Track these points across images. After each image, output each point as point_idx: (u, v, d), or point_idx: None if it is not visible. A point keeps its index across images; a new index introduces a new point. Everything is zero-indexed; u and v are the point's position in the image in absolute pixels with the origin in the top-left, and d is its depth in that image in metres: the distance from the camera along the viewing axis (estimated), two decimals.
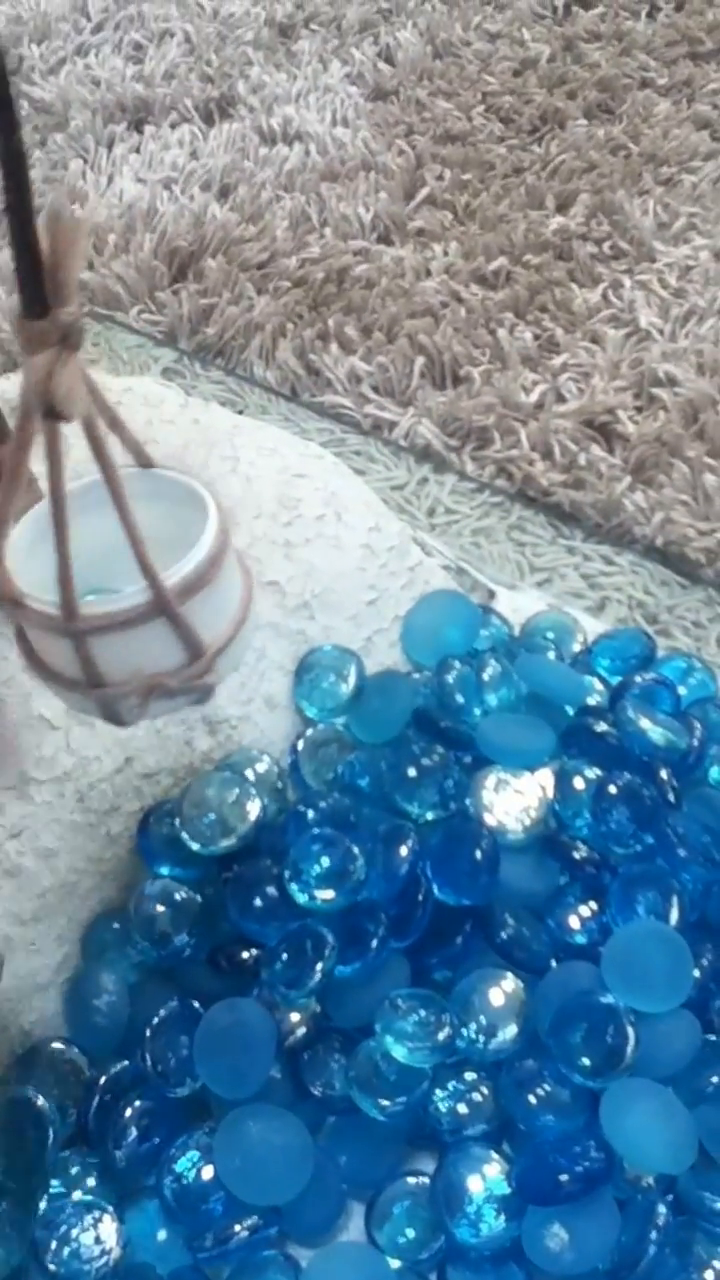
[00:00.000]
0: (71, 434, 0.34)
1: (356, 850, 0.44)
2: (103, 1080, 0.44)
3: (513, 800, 0.46)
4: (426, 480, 0.64)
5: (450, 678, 0.50)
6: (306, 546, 0.56)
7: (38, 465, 0.35)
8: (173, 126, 0.92)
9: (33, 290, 0.30)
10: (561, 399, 0.67)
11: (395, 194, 0.82)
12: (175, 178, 0.87)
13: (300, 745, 0.50)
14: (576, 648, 0.53)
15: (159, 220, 0.83)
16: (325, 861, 0.44)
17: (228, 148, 0.89)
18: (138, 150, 0.90)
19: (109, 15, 1.01)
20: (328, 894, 0.44)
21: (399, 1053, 0.41)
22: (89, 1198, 0.43)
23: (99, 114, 0.92)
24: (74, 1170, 0.43)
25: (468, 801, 0.46)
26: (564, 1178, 0.38)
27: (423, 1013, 0.42)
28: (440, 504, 0.63)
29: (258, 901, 0.45)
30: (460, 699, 0.50)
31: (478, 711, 0.50)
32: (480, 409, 0.67)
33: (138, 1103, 0.43)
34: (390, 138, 0.87)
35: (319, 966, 0.42)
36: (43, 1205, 0.43)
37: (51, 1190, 0.43)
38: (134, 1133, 0.43)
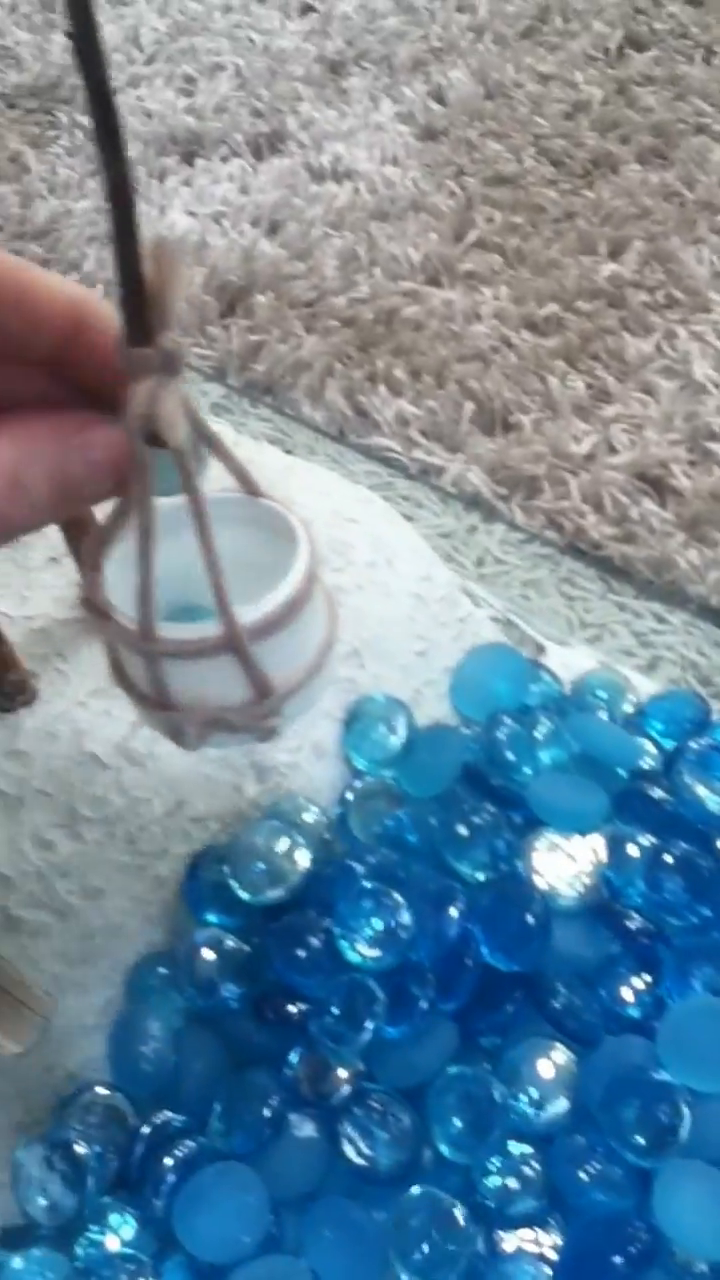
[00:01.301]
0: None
1: (406, 910, 0.44)
2: (146, 1129, 0.44)
3: (564, 864, 0.46)
4: (475, 529, 0.64)
5: (501, 734, 0.50)
6: (357, 593, 0.56)
7: None
8: (223, 160, 0.92)
9: (136, 317, 0.31)
10: (613, 450, 0.67)
11: (445, 235, 0.83)
12: (225, 212, 0.87)
13: (349, 796, 0.50)
14: (628, 708, 0.53)
15: (209, 254, 0.83)
16: (375, 921, 0.44)
17: (277, 184, 0.89)
18: (188, 183, 0.90)
19: (161, 47, 1.02)
20: (376, 953, 0.44)
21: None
22: (127, 1250, 0.42)
23: (151, 145, 0.93)
24: (112, 1218, 0.43)
25: (518, 863, 0.46)
26: (616, 1259, 0.38)
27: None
28: (489, 553, 0.63)
29: (304, 954, 0.45)
30: (511, 756, 0.49)
31: (528, 770, 0.49)
32: (530, 458, 0.67)
33: (180, 1153, 0.43)
34: (440, 178, 0.87)
35: (369, 1024, 0.42)
36: (79, 1252, 0.43)
37: (89, 1236, 0.43)
38: (174, 1183, 0.43)
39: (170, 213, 0.87)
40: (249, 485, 0.39)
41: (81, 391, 0.36)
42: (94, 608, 0.37)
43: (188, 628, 0.36)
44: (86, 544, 0.37)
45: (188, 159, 0.92)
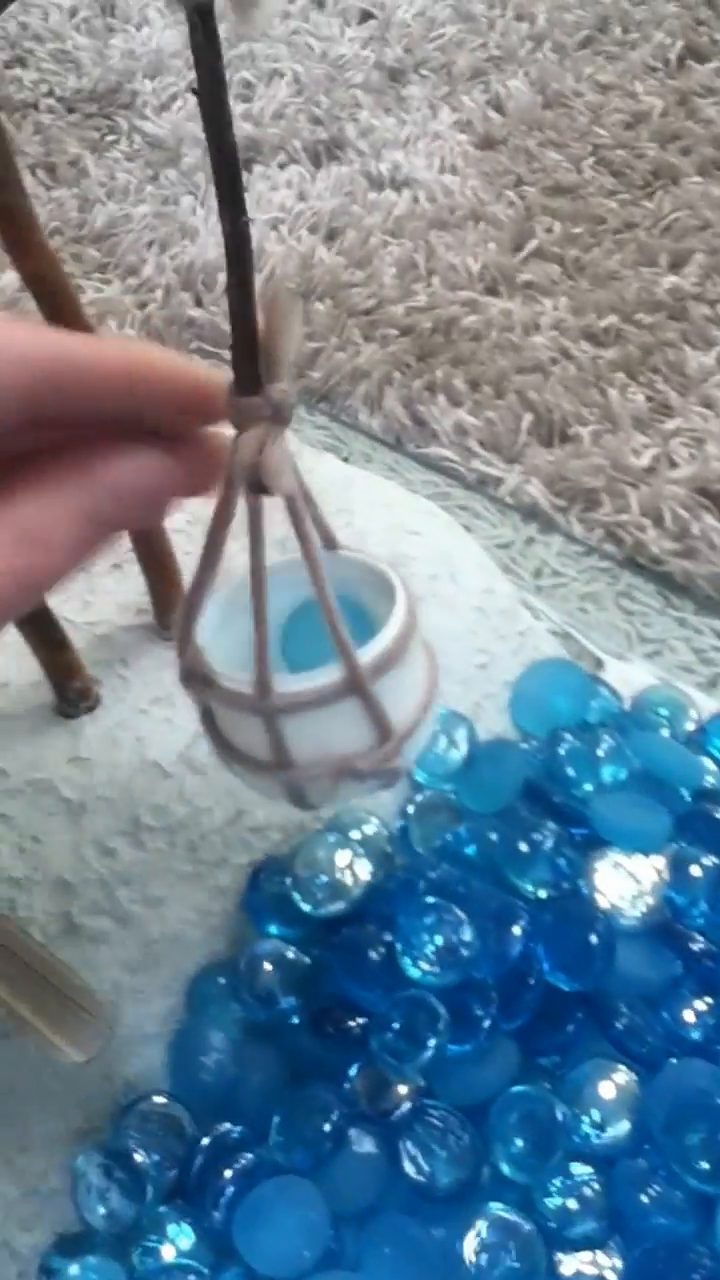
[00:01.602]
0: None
1: (468, 927, 0.44)
2: (205, 1140, 0.44)
3: (627, 884, 0.45)
4: (533, 540, 0.64)
5: (561, 750, 0.50)
6: (419, 606, 0.55)
7: None
8: (281, 167, 0.92)
9: (247, 367, 0.31)
10: (674, 464, 0.66)
11: (504, 245, 0.82)
12: (283, 218, 0.87)
13: (410, 810, 0.50)
14: (690, 726, 0.52)
15: (266, 261, 0.83)
16: (438, 937, 0.44)
17: (335, 191, 0.89)
18: (246, 189, 0.90)
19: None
20: (438, 969, 0.44)
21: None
22: (184, 1261, 0.42)
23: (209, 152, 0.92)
24: (170, 1228, 0.43)
25: (580, 882, 0.46)
26: None
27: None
28: (547, 565, 0.62)
29: (365, 968, 0.45)
30: (572, 773, 0.49)
31: (589, 787, 0.49)
32: (589, 470, 0.66)
33: (239, 1165, 0.43)
34: (499, 187, 0.87)
35: (431, 1042, 0.42)
36: (136, 1261, 0.43)
37: (146, 1245, 0.43)
38: (233, 1195, 0.43)
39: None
40: (329, 539, 0.39)
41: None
42: (197, 678, 0.36)
43: (306, 676, 0.35)
44: (178, 616, 0.36)
45: (246, 165, 0.92)
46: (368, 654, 0.35)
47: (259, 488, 0.32)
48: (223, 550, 0.35)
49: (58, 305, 0.44)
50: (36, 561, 0.31)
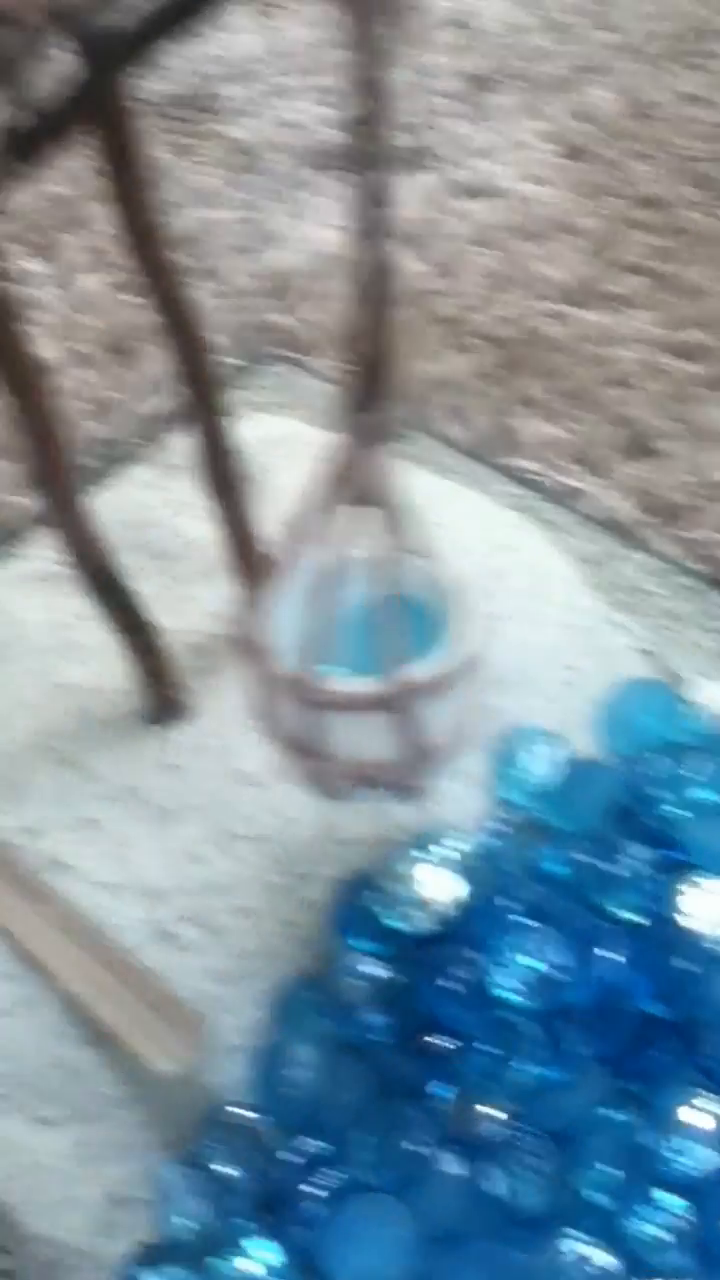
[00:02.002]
0: None
1: (563, 950, 0.43)
2: (290, 1156, 0.43)
3: (717, 909, 0.45)
4: (615, 555, 0.63)
5: (650, 771, 0.49)
6: (508, 621, 0.55)
7: None
8: None
9: (365, 386, 0.33)
10: None
11: (590, 256, 0.81)
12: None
13: (497, 828, 0.49)
14: None
15: (350, 269, 0.83)
16: (529, 960, 0.43)
17: (420, 199, 0.88)
18: (330, 196, 0.90)
19: (306, 59, 1.02)
20: (529, 992, 0.43)
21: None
22: (266, 1275, 0.42)
23: (293, 157, 0.92)
24: (252, 1242, 0.43)
25: (670, 907, 0.45)
26: None
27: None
28: (629, 581, 0.62)
29: (455, 988, 0.44)
30: (661, 794, 0.48)
31: (679, 809, 0.48)
32: (675, 485, 0.66)
33: (324, 1182, 0.43)
34: (585, 198, 0.86)
35: (522, 1065, 0.41)
36: (217, 1273, 0.42)
37: (227, 1258, 0.43)
38: (317, 1212, 0.42)
39: (310, 225, 0.87)
40: (424, 549, 0.39)
41: None
42: (253, 648, 0.37)
43: (349, 682, 0.36)
44: (259, 588, 0.37)
45: (330, 171, 0.92)
46: (417, 674, 0.35)
47: (364, 499, 0.33)
48: (309, 543, 0.36)
49: (183, 327, 0.44)
50: None
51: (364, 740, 0.37)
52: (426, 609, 0.39)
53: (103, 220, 0.87)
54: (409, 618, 0.37)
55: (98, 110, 0.37)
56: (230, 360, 0.78)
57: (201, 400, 0.47)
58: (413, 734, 0.36)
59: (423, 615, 0.39)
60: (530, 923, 0.44)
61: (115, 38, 0.34)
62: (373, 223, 0.30)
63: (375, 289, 0.30)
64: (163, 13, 0.32)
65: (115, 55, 0.35)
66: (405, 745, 0.37)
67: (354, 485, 0.33)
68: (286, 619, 0.38)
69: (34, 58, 0.32)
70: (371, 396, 0.33)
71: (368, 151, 0.29)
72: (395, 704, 0.36)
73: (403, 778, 0.38)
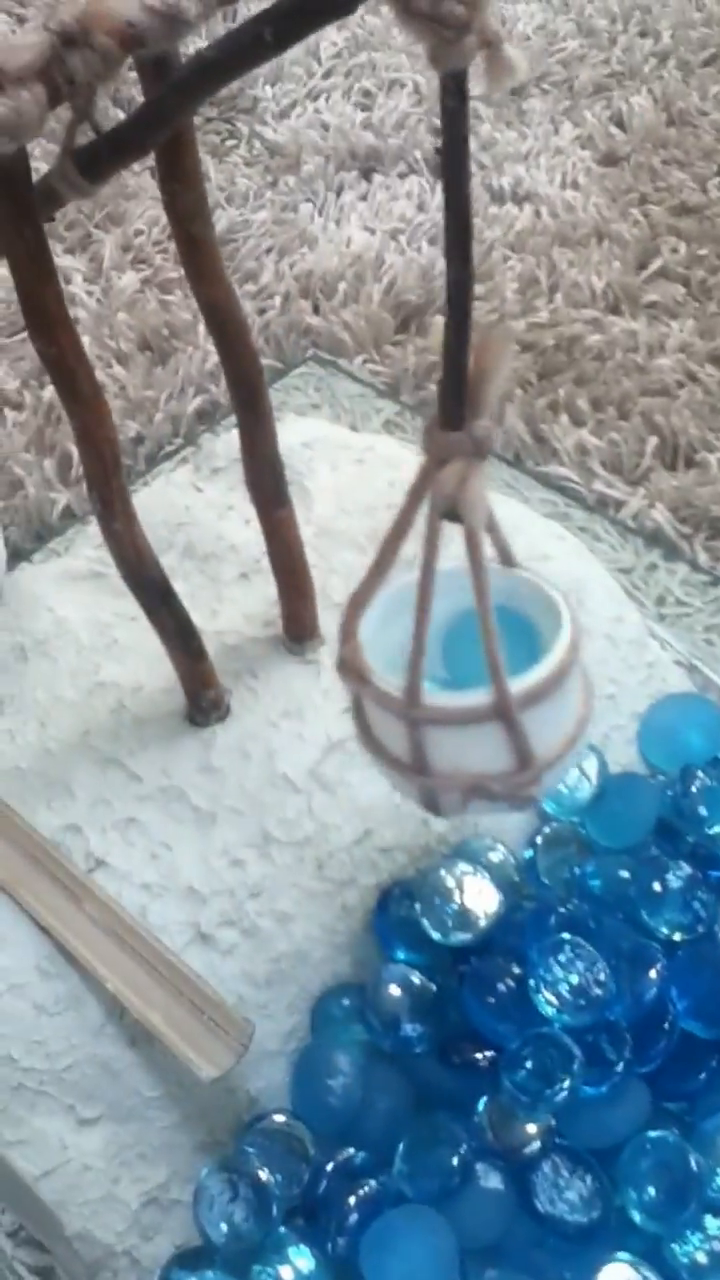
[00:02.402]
0: None
1: (604, 966, 0.43)
2: (329, 1164, 0.43)
3: None
4: (656, 567, 0.63)
5: (694, 788, 0.49)
6: (583, 638, 0.54)
7: None
8: (401, 177, 0.91)
9: (454, 404, 0.32)
10: None
11: (628, 264, 0.81)
12: (403, 229, 0.86)
13: (539, 841, 0.49)
14: None
15: (386, 271, 0.82)
16: (572, 975, 0.43)
17: None
18: (365, 198, 0.89)
19: (341, 61, 1.01)
20: (572, 1007, 0.43)
21: None
22: None
23: (330, 159, 0.92)
24: (291, 1249, 0.43)
25: (716, 926, 0.45)
26: None
27: None
28: (670, 594, 0.61)
29: (496, 1001, 0.44)
30: (704, 812, 0.48)
31: None
32: (716, 497, 0.65)
33: (363, 1192, 0.42)
34: (622, 205, 0.86)
35: (565, 1082, 0.41)
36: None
37: (266, 1265, 0.42)
38: (356, 1221, 0.42)
39: (347, 227, 0.87)
40: (508, 557, 0.39)
41: None
42: (353, 671, 0.37)
43: (455, 696, 0.36)
44: (346, 609, 0.37)
45: (366, 174, 0.92)
46: (521, 683, 0.35)
47: (452, 516, 0.33)
48: (395, 559, 0.36)
49: (229, 333, 0.44)
50: None
51: (472, 753, 0.37)
52: (520, 619, 0.39)
53: (140, 218, 0.87)
54: (505, 629, 0.37)
55: (165, 135, 0.37)
56: (266, 362, 0.78)
57: (247, 406, 0.47)
58: (520, 743, 0.36)
59: (518, 625, 0.39)
60: (572, 937, 0.44)
61: (190, 67, 0.33)
62: (458, 245, 0.30)
63: (458, 309, 0.30)
64: (237, 44, 0.32)
65: (188, 85, 0.34)
66: (513, 755, 0.37)
67: (443, 501, 0.33)
68: (383, 637, 0.38)
69: (108, 81, 0.31)
70: (459, 415, 0.32)
71: (452, 171, 0.29)
72: (500, 715, 0.35)
73: (514, 788, 0.38)
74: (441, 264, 0.83)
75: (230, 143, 0.95)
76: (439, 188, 0.90)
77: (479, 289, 0.80)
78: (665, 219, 0.84)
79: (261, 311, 0.81)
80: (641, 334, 0.76)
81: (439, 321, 0.33)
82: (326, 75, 1.00)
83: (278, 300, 0.82)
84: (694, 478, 0.67)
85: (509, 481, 0.69)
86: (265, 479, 0.49)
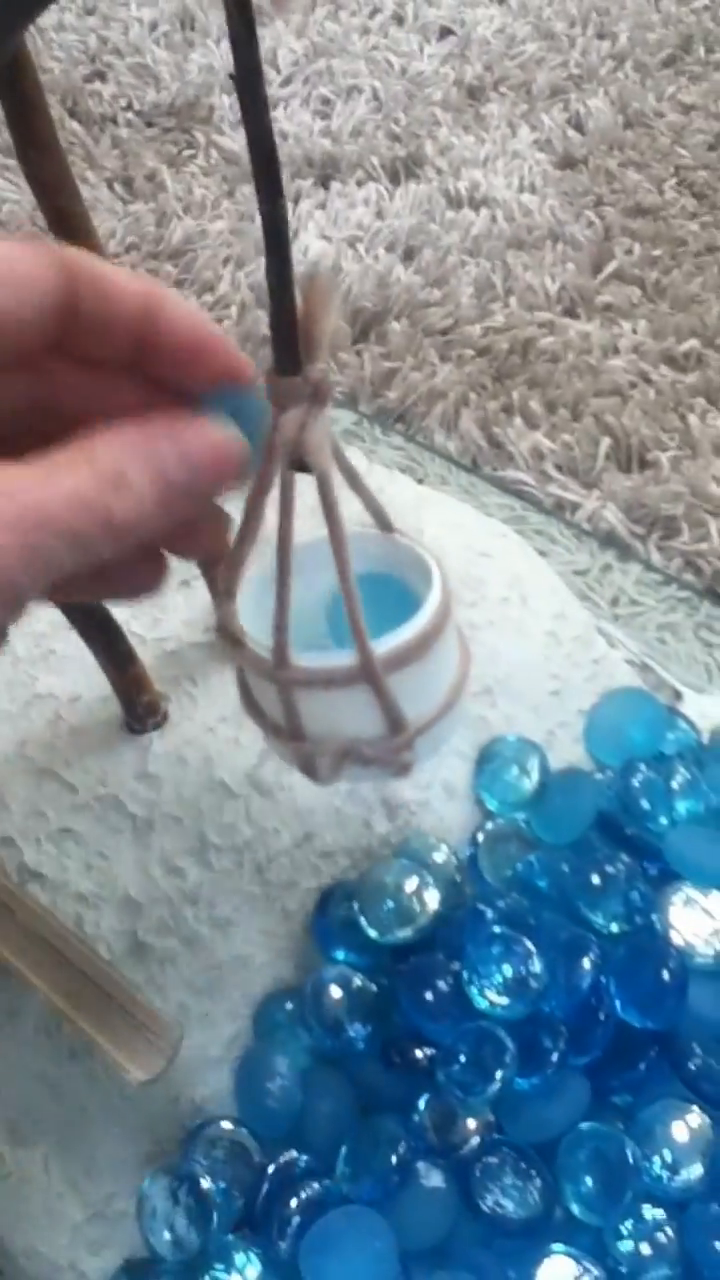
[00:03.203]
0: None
1: (539, 959, 0.44)
2: (272, 1169, 0.44)
3: (702, 921, 0.45)
4: (610, 567, 0.64)
5: (636, 782, 0.50)
6: (490, 629, 0.55)
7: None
8: (359, 184, 0.92)
9: (287, 348, 0.32)
10: None
11: (583, 266, 0.82)
12: (360, 236, 0.87)
13: (480, 838, 0.50)
14: None
15: (343, 279, 0.84)
16: (506, 968, 0.44)
17: (413, 209, 0.89)
18: (323, 206, 0.91)
19: (298, 69, 1.03)
20: (506, 1001, 0.43)
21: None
22: None
23: (286, 168, 0.93)
24: (237, 1257, 0.43)
25: (654, 917, 0.45)
26: None
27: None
28: (624, 594, 0.62)
29: (433, 998, 0.45)
30: (646, 805, 0.49)
31: (664, 820, 0.49)
32: (668, 497, 0.66)
33: (306, 1195, 0.43)
34: (579, 208, 0.87)
35: (499, 1075, 0.42)
36: None
37: (213, 1273, 0.43)
38: (300, 1225, 0.43)
39: (305, 236, 0.88)
40: (383, 521, 0.39)
41: (165, 394, 0.35)
42: (228, 635, 0.37)
43: (322, 656, 0.36)
44: (220, 571, 0.38)
45: (323, 182, 0.93)
46: (386, 645, 0.36)
47: (299, 465, 0.33)
48: (262, 518, 0.36)
49: None
50: (121, 504, 0.31)
51: (343, 717, 0.37)
52: (398, 583, 0.39)
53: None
54: (383, 593, 0.37)
55: None
56: None
57: None
58: (389, 707, 0.37)
59: (396, 590, 0.39)
60: (510, 932, 0.45)
61: None
62: (264, 175, 0.30)
63: (275, 247, 0.31)
64: None
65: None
66: (384, 719, 0.37)
67: (286, 448, 0.33)
68: (266, 601, 0.38)
69: None
70: (294, 360, 0.32)
71: (247, 100, 0.29)
72: (366, 676, 0.36)
73: (387, 753, 0.38)
74: (399, 270, 0.85)
75: (188, 152, 0.96)
76: (397, 193, 0.92)
77: (434, 294, 0.82)
78: (620, 220, 0.85)
79: (219, 321, 0.82)
80: (595, 336, 0.77)
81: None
82: (285, 83, 1.02)
83: (234, 310, 0.83)
84: (647, 478, 0.68)
85: (466, 487, 0.70)
86: None
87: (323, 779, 0.39)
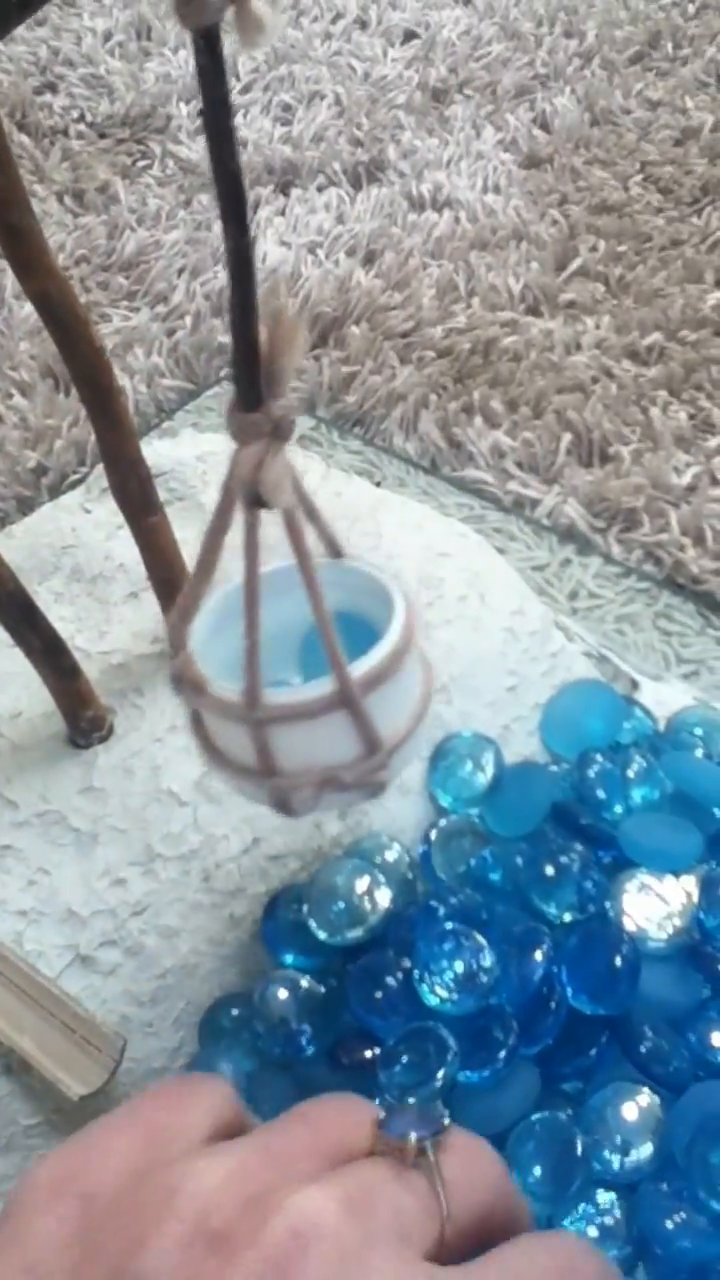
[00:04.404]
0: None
1: (489, 953, 0.45)
2: None
3: (655, 906, 0.46)
4: (570, 562, 0.65)
5: (591, 772, 0.51)
6: (447, 627, 0.57)
7: None
8: (320, 190, 0.94)
9: (249, 383, 0.32)
10: (715, 482, 0.67)
11: (547, 264, 0.84)
12: (320, 242, 0.89)
13: (433, 835, 0.51)
14: None
15: (302, 285, 0.85)
16: (457, 964, 0.44)
17: (375, 213, 0.91)
18: (283, 213, 0.92)
19: (259, 75, 1.05)
20: (457, 997, 0.44)
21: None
22: None
23: (246, 175, 0.94)
24: None
25: (607, 904, 0.46)
26: None
27: None
28: (583, 587, 0.63)
29: (383, 996, 0.46)
30: (602, 795, 0.50)
31: (619, 809, 0.50)
32: (629, 490, 0.68)
33: None
34: (543, 207, 0.89)
35: (440, 1073, 0.43)
36: None
37: None
38: None
39: (264, 243, 0.89)
40: (334, 548, 0.40)
41: None
42: (188, 683, 0.38)
43: (297, 689, 0.37)
44: (171, 619, 0.38)
45: (283, 188, 0.95)
46: (360, 669, 0.37)
47: (257, 502, 0.34)
48: (218, 559, 0.37)
49: (67, 327, 0.46)
50: None
51: (320, 746, 0.38)
52: (353, 612, 0.41)
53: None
54: (341, 623, 0.38)
55: None
56: (176, 383, 0.81)
57: (97, 407, 0.48)
58: (366, 728, 0.38)
59: (354, 618, 0.40)
60: (461, 928, 0.45)
61: None
62: (231, 212, 0.31)
63: (240, 282, 0.31)
64: None
65: None
66: (361, 741, 0.38)
67: (245, 485, 0.33)
68: (219, 643, 0.39)
69: None
70: (255, 394, 0.32)
71: (215, 135, 0.30)
72: (344, 702, 0.37)
73: (364, 775, 0.39)
74: (359, 274, 0.86)
75: (142, 163, 0.98)
76: (359, 198, 0.94)
77: (395, 297, 0.83)
78: (585, 218, 0.87)
79: (171, 332, 0.84)
80: (558, 333, 0.78)
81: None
82: (245, 90, 1.04)
83: (189, 320, 0.84)
84: (608, 472, 0.69)
85: (424, 488, 0.71)
86: (129, 485, 0.51)
87: (299, 811, 0.40)
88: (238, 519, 0.35)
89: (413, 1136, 0.33)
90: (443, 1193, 0.32)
